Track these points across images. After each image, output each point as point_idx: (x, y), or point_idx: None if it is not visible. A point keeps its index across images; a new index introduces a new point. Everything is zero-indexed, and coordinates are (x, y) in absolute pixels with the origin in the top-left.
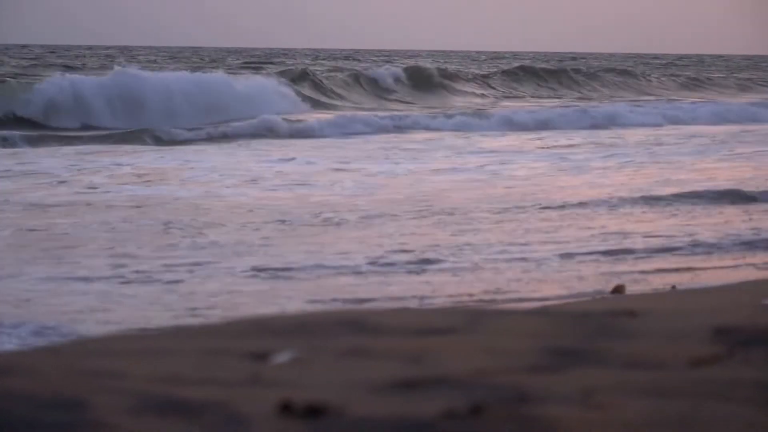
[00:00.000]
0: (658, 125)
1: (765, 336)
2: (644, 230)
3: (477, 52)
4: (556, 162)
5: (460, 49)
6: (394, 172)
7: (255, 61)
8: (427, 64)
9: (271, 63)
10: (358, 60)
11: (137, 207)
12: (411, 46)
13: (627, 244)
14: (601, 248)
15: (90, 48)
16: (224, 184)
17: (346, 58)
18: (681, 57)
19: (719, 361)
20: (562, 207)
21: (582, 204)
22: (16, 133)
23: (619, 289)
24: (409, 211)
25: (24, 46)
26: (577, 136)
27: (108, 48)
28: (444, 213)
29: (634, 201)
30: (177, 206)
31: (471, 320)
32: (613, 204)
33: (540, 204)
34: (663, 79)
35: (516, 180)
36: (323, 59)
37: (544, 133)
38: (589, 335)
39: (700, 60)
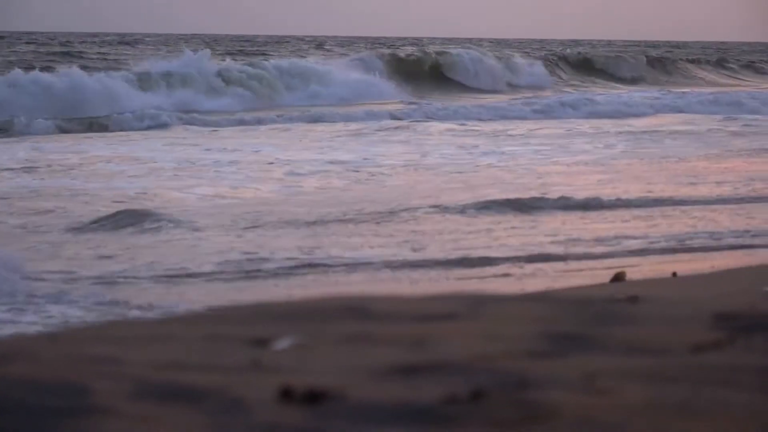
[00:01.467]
0: None
1: (766, 322)
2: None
3: (489, 40)
4: None
5: (462, 36)
6: None
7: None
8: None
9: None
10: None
11: None
12: (408, 34)
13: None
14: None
15: (94, 35)
16: None
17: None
18: (680, 44)
19: (720, 346)
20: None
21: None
22: None
23: (619, 277)
24: None
25: (29, 33)
26: None
27: (108, 35)
28: None
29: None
30: None
31: (472, 306)
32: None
33: None
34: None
35: None
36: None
37: None
38: (590, 321)
39: (717, 48)
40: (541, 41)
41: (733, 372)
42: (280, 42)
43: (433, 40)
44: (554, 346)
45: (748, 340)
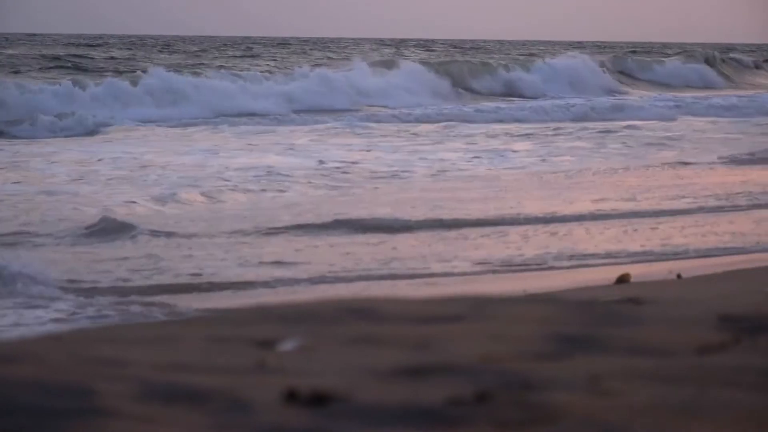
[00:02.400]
0: None
1: None
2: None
3: (510, 42)
4: None
5: (476, 38)
6: None
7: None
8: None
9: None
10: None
11: None
12: (413, 35)
13: None
14: None
15: (106, 37)
16: None
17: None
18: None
19: (725, 348)
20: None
21: None
22: None
23: (624, 278)
24: None
25: (31, 35)
26: None
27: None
28: None
29: None
30: None
31: (477, 308)
32: None
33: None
34: None
35: None
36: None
37: None
38: (595, 322)
39: (736, 48)
40: (548, 42)
41: (738, 373)
42: (315, 43)
43: (443, 42)
44: (559, 347)
45: (753, 341)
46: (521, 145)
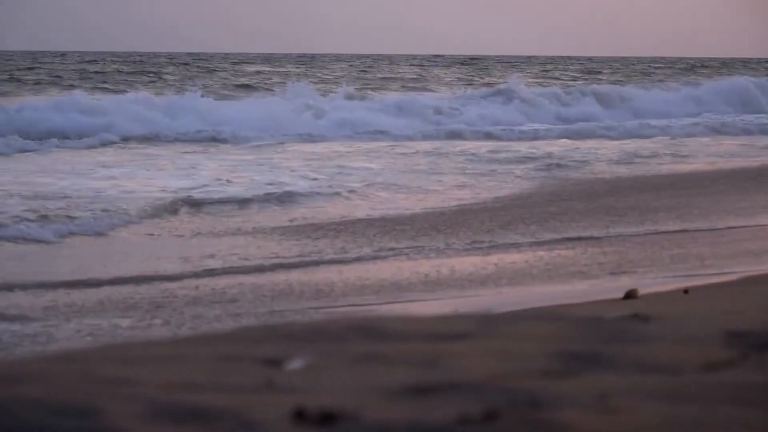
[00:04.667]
0: None
1: None
2: None
3: (526, 57)
4: None
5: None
6: None
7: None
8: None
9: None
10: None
11: None
12: (401, 52)
13: None
14: None
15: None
16: None
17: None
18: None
19: (733, 364)
20: None
21: None
22: None
23: (631, 294)
24: None
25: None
26: None
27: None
28: None
29: None
30: None
31: (484, 325)
32: None
33: None
34: None
35: None
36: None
37: None
38: (603, 339)
39: (739, 63)
40: (530, 58)
41: (747, 390)
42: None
43: (427, 58)
44: (567, 365)
45: (761, 357)
46: None
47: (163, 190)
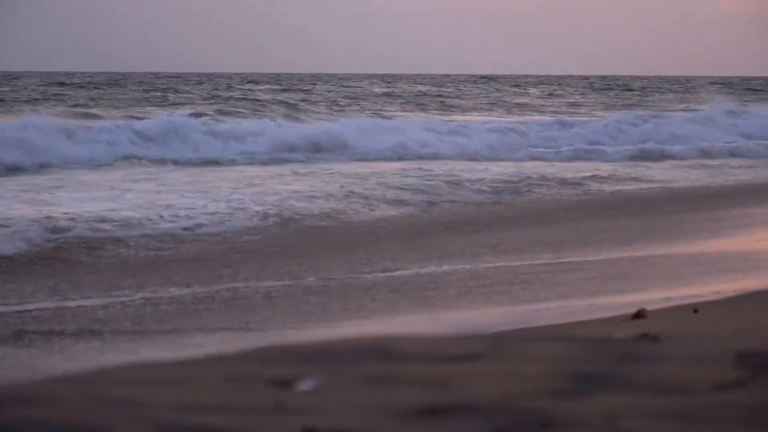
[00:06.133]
0: None
1: None
2: None
3: (524, 76)
4: None
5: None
6: None
7: None
8: None
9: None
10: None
11: None
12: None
13: None
14: None
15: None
16: None
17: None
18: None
19: (743, 385)
20: None
21: None
22: None
23: (641, 314)
24: None
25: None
26: None
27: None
28: None
29: None
30: None
31: (494, 346)
32: None
33: None
34: None
35: None
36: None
37: None
38: (613, 360)
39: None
40: (538, 77)
41: (757, 410)
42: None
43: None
44: (576, 385)
45: None
46: None
47: None
